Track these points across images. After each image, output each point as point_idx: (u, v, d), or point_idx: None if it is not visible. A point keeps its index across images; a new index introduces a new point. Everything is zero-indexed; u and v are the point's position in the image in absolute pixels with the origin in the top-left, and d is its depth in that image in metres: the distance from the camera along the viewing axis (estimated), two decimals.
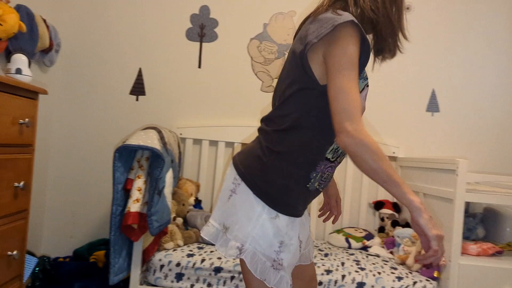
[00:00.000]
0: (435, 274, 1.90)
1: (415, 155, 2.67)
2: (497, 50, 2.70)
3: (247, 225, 1.13)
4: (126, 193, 1.82)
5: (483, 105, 2.70)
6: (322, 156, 1.16)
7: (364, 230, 2.44)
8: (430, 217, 1.00)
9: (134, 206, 1.74)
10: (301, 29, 1.20)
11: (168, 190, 1.86)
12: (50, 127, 2.54)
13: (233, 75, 2.65)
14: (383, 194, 2.57)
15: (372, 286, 1.84)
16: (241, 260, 1.15)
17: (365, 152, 0.98)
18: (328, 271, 1.88)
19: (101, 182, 2.58)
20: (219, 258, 1.89)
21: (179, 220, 2.15)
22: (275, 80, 2.66)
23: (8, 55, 1.90)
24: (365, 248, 2.29)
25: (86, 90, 2.60)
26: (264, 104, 2.65)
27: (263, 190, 1.13)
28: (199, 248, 2.02)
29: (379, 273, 1.90)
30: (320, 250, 2.20)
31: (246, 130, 2.58)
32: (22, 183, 1.53)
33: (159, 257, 1.88)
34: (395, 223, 2.40)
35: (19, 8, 1.95)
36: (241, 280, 1.83)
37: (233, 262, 1.86)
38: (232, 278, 1.84)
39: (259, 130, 1.23)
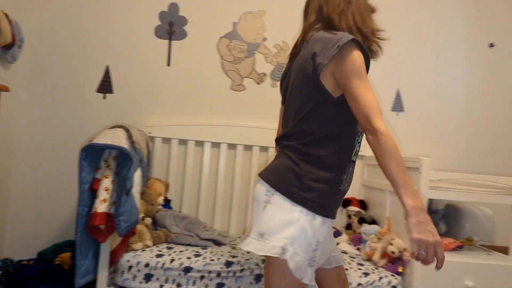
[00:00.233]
0: (400, 269, 1.96)
1: None
2: (456, 52, 2.81)
3: (287, 228, 1.23)
4: (93, 193, 1.78)
5: (444, 106, 2.80)
6: (349, 159, 1.33)
7: (332, 227, 2.48)
8: (420, 222, 1.06)
9: (101, 206, 1.71)
10: (301, 50, 1.34)
11: (136, 190, 1.84)
12: (13, 125, 2.46)
13: (202, 73, 2.64)
14: (350, 192, 2.62)
15: None
16: (267, 261, 1.27)
17: (388, 151, 1.12)
18: None
19: (67, 182, 2.51)
20: (189, 258, 1.88)
21: (148, 220, 2.13)
22: (245, 79, 2.66)
23: None
24: None
25: (51, 87, 2.53)
26: (233, 103, 2.66)
27: (301, 196, 1.25)
28: (169, 248, 2.00)
29: (346, 269, 1.93)
30: None
31: (216, 129, 2.58)
32: None
33: (127, 258, 1.85)
34: (361, 220, 2.46)
35: None
36: (211, 280, 1.83)
37: (203, 261, 1.86)
38: (202, 277, 1.83)
39: (282, 147, 1.35)
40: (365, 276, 1.89)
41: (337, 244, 2.32)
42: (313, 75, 1.24)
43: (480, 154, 2.82)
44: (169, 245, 2.06)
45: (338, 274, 1.53)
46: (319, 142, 1.27)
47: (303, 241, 1.23)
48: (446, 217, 2.41)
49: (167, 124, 2.57)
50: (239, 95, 2.67)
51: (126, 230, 1.74)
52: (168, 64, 2.62)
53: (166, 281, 1.83)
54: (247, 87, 2.68)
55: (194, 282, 1.84)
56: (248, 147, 2.62)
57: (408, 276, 1.97)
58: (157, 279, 1.83)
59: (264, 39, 2.68)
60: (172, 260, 1.85)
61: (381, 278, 1.89)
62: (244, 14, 2.67)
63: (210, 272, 1.84)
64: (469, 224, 2.33)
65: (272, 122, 2.64)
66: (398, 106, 2.77)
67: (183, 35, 2.63)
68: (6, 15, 2.07)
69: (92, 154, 1.77)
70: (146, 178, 2.26)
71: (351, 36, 1.21)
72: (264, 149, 2.63)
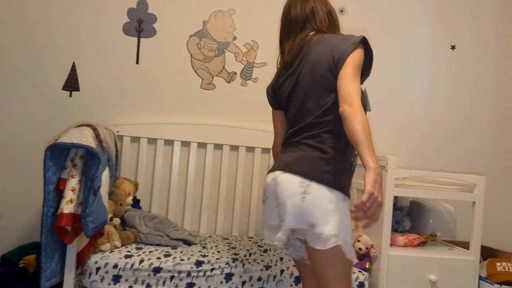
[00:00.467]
0: (367, 266, 2.01)
1: None
2: (420, 54, 2.91)
3: (333, 215, 1.29)
4: (59, 193, 1.74)
5: (409, 105, 2.89)
6: None
7: None
8: (377, 182, 1.17)
9: (67, 207, 1.67)
10: (306, 54, 1.48)
11: (104, 190, 1.80)
12: None
13: (172, 72, 2.62)
14: None
15: None
16: (316, 251, 1.31)
17: (360, 119, 1.24)
18: (267, 267, 1.93)
19: (32, 182, 2.44)
20: (159, 258, 1.86)
21: (117, 221, 2.09)
22: (215, 78, 2.66)
23: None
24: None
25: (14, 85, 2.44)
26: (203, 101, 2.65)
27: (335, 179, 1.34)
28: (138, 248, 1.98)
29: None
30: (259, 246, 2.25)
31: (185, 128, 2.56)
32: None
33: (95, 259, 1.82)
34: None
35: None
36: (181, 280, 1.82)
37: (173, 261, 1.85)
38: (172, 278, 1.82)
39: (303, 138, 1.43)
40: None
41: None
42: (334, 69, 1.38)
43: (443, 152, 2.93)
44: (139, 246, 2.03)
45: None
46: (341, 128, 1.34)
47: (347, 225, 1.33)
48: (410, 214, 2.49)
49: (136, 123, 2.53)
50: (209, 93, 2.66)
51: (94, 231, 1.71)
52: (137, 62, 2.59)
53: (135, 282, 1.81)
54: (217, 86, 2.67)
55: (164, 283, 1.82)
56: (218, 146, 2.62)
57: (375, 272, 2.03)
58: (126, 280, 1.81)
59: (234, 38, 2.68)
60: (142, 261, 1.83)
61: None
62: (214, 13, 2.66)
63: (180, 272, 1.83)
64: (432, 220, 2.42)
65: (242, 121, 2.65)
66: (365, 105, 2.83)
67: (152, 32, 2.60)
68: None
69: (58, 154, 1.73)
70: (114, 177, 2.23)
71: (362, 36, 1.40)
72: (234, 148, 2.63)
